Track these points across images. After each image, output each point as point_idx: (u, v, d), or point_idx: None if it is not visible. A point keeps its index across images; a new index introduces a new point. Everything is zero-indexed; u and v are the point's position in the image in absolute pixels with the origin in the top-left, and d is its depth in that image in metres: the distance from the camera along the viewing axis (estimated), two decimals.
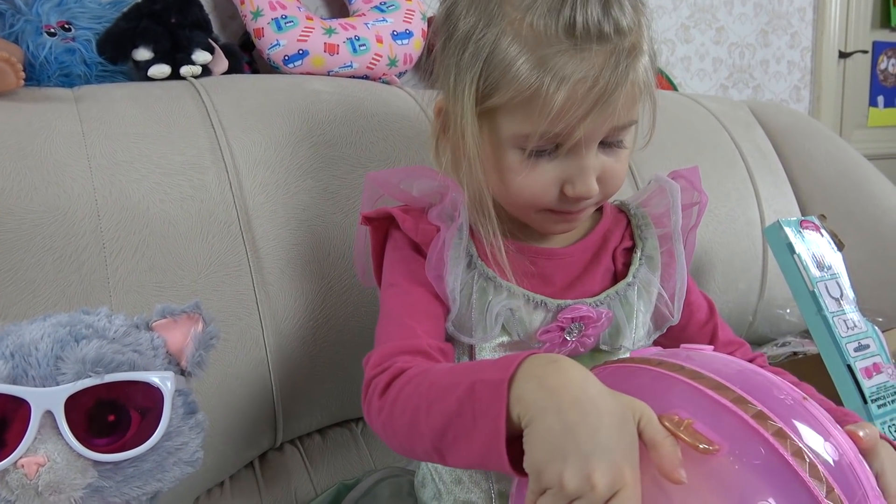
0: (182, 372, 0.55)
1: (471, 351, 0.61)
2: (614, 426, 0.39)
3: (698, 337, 0.68)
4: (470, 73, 0.54)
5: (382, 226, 0.63)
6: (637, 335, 0.63)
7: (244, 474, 0.76)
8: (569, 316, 0.59)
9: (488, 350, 0.60)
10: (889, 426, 0.74)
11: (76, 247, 0.67)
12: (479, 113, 0.55)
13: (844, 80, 1.95)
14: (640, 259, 0.64)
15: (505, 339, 0.60)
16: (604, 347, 0.62)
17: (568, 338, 0.60)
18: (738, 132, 1.16)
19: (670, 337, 0.66)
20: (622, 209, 0.69)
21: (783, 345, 0.98)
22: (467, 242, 0.60)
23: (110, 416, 0.50)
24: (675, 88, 1.42)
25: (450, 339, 0.61)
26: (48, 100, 0.75)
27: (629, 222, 0.67)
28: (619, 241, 0.65)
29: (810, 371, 0.82)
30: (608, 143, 0.56)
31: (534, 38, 0.52)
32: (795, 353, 0.91)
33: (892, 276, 1.11)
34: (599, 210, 0.67)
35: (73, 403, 0.48)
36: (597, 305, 0.61)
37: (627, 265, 0.65)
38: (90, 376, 0.48)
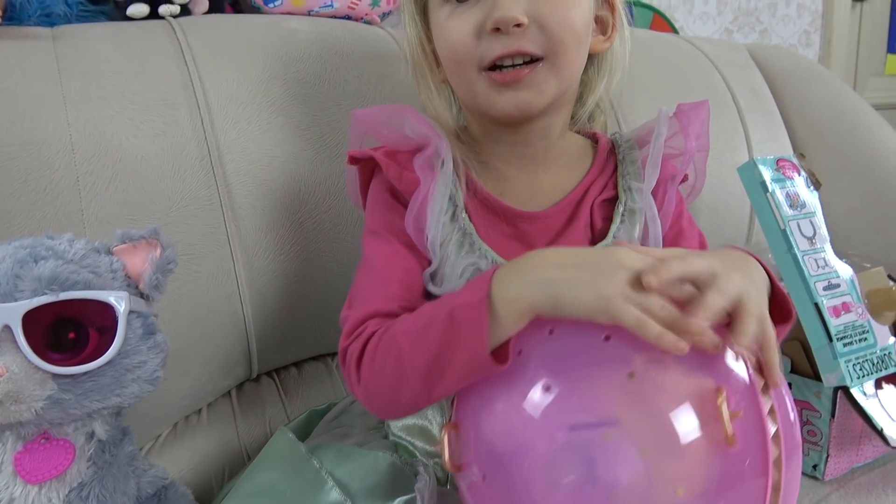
0: (141, 295, 0.57)
1: None
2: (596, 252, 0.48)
3: None
4: None
5: (369, 165, 0.64)
6: None
7: (221, 402, 0.79)
8: None
9: None
10: (854, 364, 0.74)
11: (51, 179, 0.69)
12: (421, 10, 0.60)
13: (860, 24, 1.88)
14: (622, 215, 0.61)
15: None
16: None
17: None
18: (731, 74, 1.14)
19: None
20: (615, 150, 0.65)
21: None
22: (454, 191, 0.60)
23: (70, 333, 0.53)
24: (675, 32, 1.39)
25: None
26: (26, 38, 0.77)
27: (616, 169, 0.64)
28: (600, 192, 0.63)
29: None
30: None
31: None
32: None
33: (884, 222, 1.10)
34: (593, 155, 0.64)
35: (31, 319, 0.50)
36: None
37: (607, 219, 0.62)
38: (46, 294, 0.51)
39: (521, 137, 0.62)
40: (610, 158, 0.65)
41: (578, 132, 0.69)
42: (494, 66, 0.56)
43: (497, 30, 0.54)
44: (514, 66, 0.55)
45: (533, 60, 0.55)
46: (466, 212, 0.60)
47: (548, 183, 0.63)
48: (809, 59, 1.34)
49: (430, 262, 0.60)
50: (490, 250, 0.59)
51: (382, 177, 0.62)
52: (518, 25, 0.53)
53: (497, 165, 0.63)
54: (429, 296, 0.61)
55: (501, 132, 0.62)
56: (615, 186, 0.63)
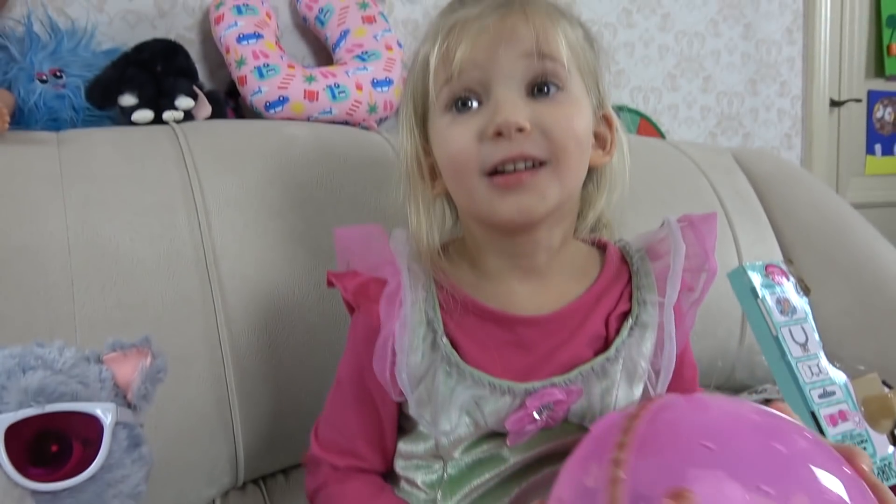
0: (129, 405, 0.56)
1: (435, 437, 0.59)
2: None
3: None
4: (408, 93, 0.62)
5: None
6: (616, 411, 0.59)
7: None
8: (537, 403, 0.56)
9: (453, 438, 0.58)
10: None
11: (45, 283, 0.69)
12: (421, 121, 0.61)
13: (839, 128, 1.96)
14: (631, 329, 0.59)
15: (471, 427, 0.58)
16: (573, 420, 0.58)
17: (537, 417, 0.57)
18: (717, 178, 1.17)
19: None
20: (626, 259, 0.64)
21: (760, 391, 0.97)
22: (433, 315, 0.58)
23: (53, 445, 0.52)
24: (661, 135, 1.45)
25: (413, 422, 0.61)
26: (32, 142, 0.79)
27: (630, 279, 0.62)
28: (615, 305, 0.61)
29: None
30: (540, 90, 0.55)
31: (434, 26, 0.59)
32: (768, 401, 0.90)
33: (874, 323, 1.10)
34: (601, 263, 0.63)
35: (14, 432, 0.49)
36: (566, 384, 0.57)
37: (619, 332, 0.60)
38: (31, 406, 0.50)
39: (522, 249, 0.60)
40: (622, 268, 0.63)
41: (583, 240, 0.68)
42: (495, 171, 0.55)
43: (499, 134, 0.54)
44: (515, 170, 0.55)
45: (535, 165, 0.55)
46: (449, 334, 0.58)
47: (553, 292, 0.61)
48: (792, 163, 1.39)
49: (404, 400, 0.59)
50: (483, 375, 0.56)
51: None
52: (520, 130, 0.53)
53: (498, 278, 0.61)
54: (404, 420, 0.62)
55: (503, 243, 0.60)
56: (630, 298, 0.61)
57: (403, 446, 0.62)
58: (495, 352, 0.58)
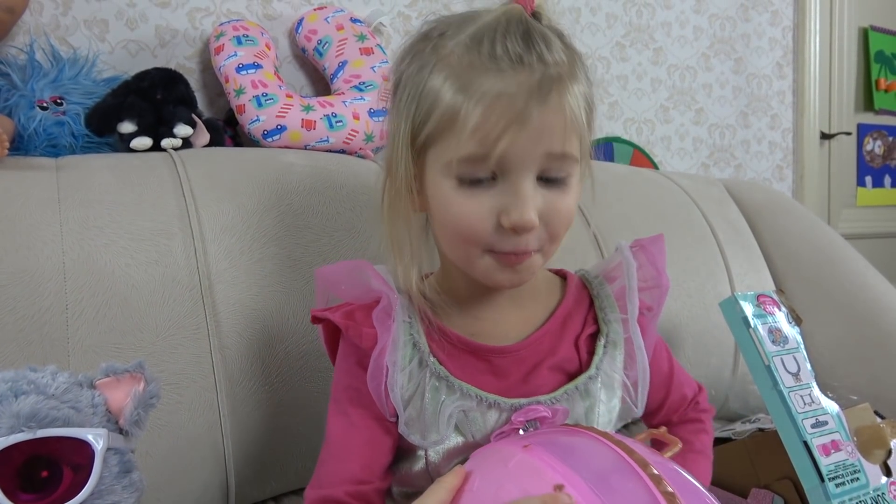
0: (121, 431, 0.56)
1: (425, 455, 0.60)
2: None
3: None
4: (405, 112, 0.57)
5: (332, 325, 0.63)
6: (599, 425, 0.62)
7: None
8: (522, 418, 0.58)
9: (442, 453, 0.60)
10: None
11: (39, 307, 0.69)
12: (417, 151, 0.57)
13: (830, 160, 1.99)
14: (604, 347, 0.63)
15: (459, 440, 0.59)
16: None
17: (522, 433, 0.58)
18: (709, 208, 1.18)
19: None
20: (585, 284, 0.67)
21: (753, 421, 0.97)
22: (417, 337, 0.60)
23: (44, 471, 0.51)
24: (655, 166, 1.46)
25: (402, 445, 0.61)
26: (30, 168, 0.80)
27: (592, 303, 0.65)
28: (582, 328, 0.64)
29: (770, 447, 0.81)
30: (549, 179, 0.55)
31: (458, 65, 0.54)
32: (761, 430, 0.90)
33: (866, 353, 1.11)
34: (562, 290, 0.66)
35: (4, 457, 0.49)
36: (552, 403, 0.59)
37: (591, 353, 0.63)
38: (23, 431, 0.50)
39: None
40: (582, 293, 0.66)
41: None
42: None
43: (514, 230, 0.55)
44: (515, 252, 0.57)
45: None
46: (434, 356, 0.60)
47: (520, 318, 0.63)
48: (783, 193, 1.40)
49: (396, 419, 0.59)
50: (471, 388, 0.59)
51: (348, 339, 0.62)
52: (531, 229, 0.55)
53: (469, 306, 0.63)
54: (401, 452, 0.62)
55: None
56: (595, 320, 0.64)
57: (397, 468, 0.63)
58: (474, 378, 0.60)
